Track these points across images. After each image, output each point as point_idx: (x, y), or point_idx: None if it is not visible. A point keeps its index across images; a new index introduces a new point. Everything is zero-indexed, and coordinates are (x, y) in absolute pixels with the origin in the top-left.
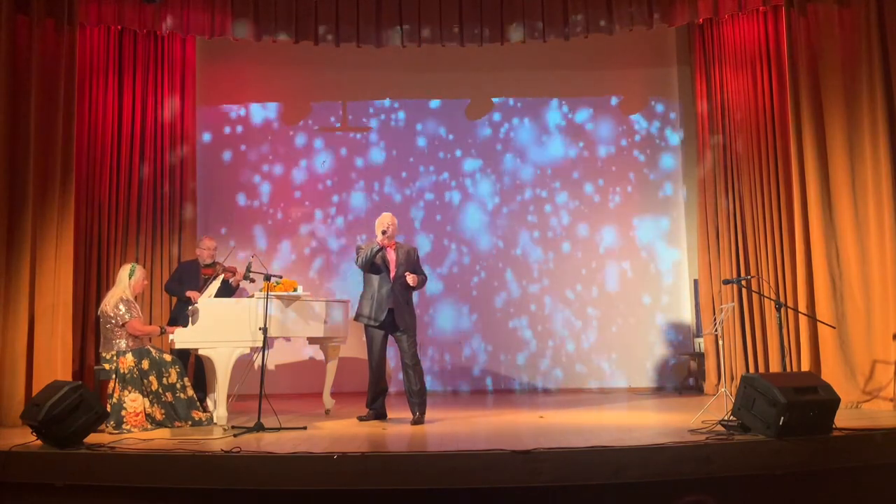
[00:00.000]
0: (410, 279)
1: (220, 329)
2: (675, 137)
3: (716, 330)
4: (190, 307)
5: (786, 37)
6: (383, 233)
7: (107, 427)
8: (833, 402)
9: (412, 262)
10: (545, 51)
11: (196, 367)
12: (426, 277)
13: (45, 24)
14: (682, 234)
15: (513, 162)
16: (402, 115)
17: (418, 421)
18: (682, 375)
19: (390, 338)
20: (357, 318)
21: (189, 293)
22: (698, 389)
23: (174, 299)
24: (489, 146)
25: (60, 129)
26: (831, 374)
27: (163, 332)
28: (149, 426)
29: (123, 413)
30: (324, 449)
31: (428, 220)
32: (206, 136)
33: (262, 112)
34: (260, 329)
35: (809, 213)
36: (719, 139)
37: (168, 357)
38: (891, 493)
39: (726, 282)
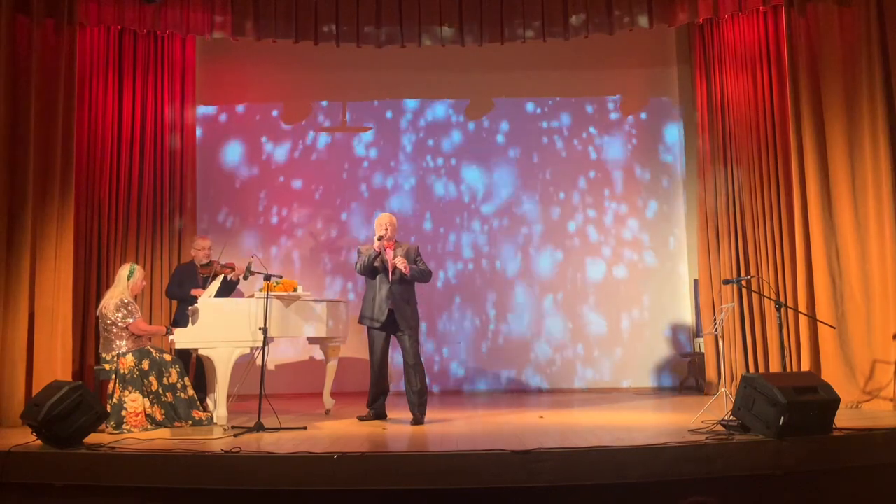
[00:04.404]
0: (399, 262)
1: (220, 329)
2: (674, 137)
3: (716, 330)
4: (190, 307)
5: (786, 37)
6: (380, 238)
7: (107, 427)
8: (833, 402)
9: (411, 260)
10: (545, 51)
11: (196, 367)
12: (429, 271)
13: (45, 24)
14: (682, 233)
15: (512, 162)
16: (402, 114)
17: (418, 421)
18: (682, 375)
19: (393, 338)
20: (360, 320)
21: (194, 291)
22: (698, 389)
23: (174, 301)
24: (489, 146)
25: (60, 129)
26: (831, 374)
27: (169, 333)
28: (149, 426)
29: (123, 413)
30: (324, 449)
31: (427, 221)
32: (206, 136)
33: (262, 112)
34: (260, 329)
35: (809, 213)
36: (719, 139)
37: (168, 357)
38: (891, 493)
39: (726, 282)
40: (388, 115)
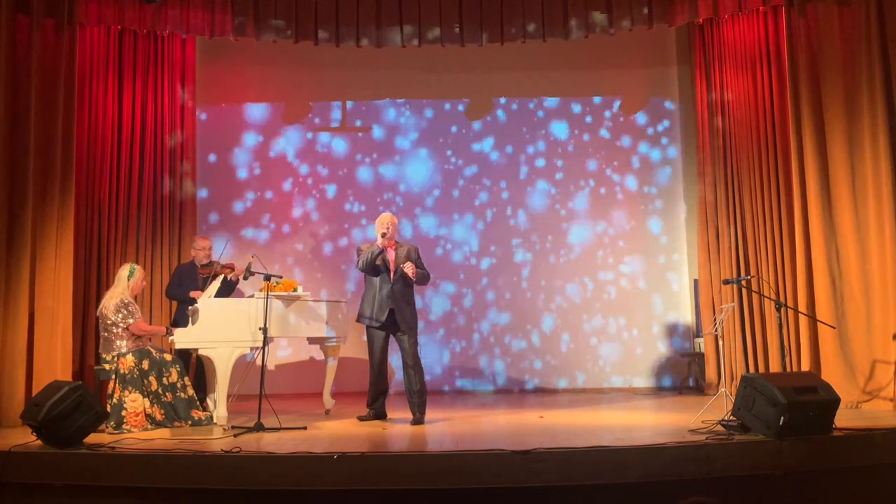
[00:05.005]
0: (408, 268)
1: (220, 329)
2: (675, 137)
3: (716, 330)
4: (190, 307)
5: (786, 37)
6: (383, 235)
7: (107, 427)
8: (833, 402)
9: (412, 260)
10: (545, 51)
11: (196, 367)
12: (428, 274)
13: (45, 24)
14: (682, 234)
15: (512, 162)
16: (403, 114)
17: (418, 421)
18: (682, 375)
19: (392, 338)
20: (359, 319)
21: (193, 293)
22: (698, 389)
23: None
24: (488, 147)
25: (60, 129)
26: (831, 374)
27: (169, 333)
28: (149, 426)
29: (123, 413)
30: (324, 449)
31: (428, 221)
32: (206, 136)
33: (262, 112)
34: (260, 329)
35: (809, 213)
36: (719, 139)
37: (168, 357)
38: (891, 493)
39: (726, 282)
40: (389, 114)
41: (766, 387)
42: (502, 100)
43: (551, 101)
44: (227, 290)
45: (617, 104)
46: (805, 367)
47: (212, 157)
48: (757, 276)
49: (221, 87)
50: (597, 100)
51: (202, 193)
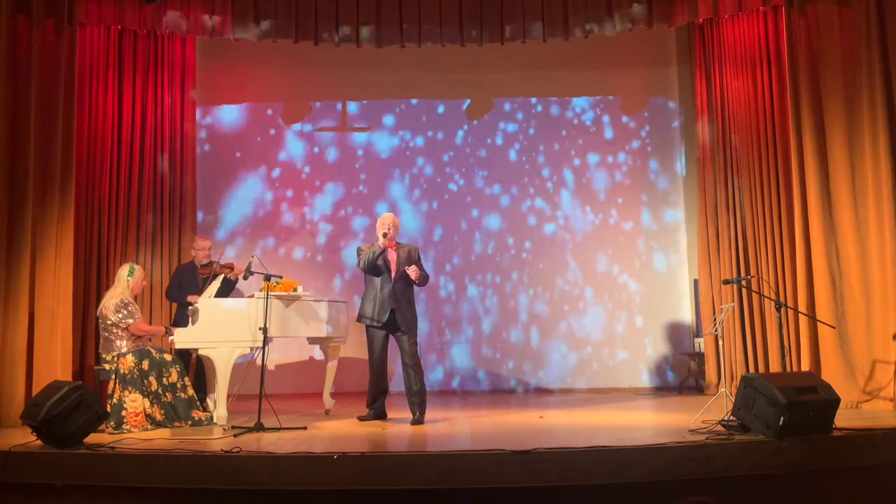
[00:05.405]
0: (411, 271)
1: (220, 329)
2: (674, 137)
3: (716, 330)
4: (190, 307)
5: (786, 37)
6: (384, 235)
7: (107, 427)
8: (833, 402)
9: (413, 262)
10: (545, 51)
11: (196, 367)
12: (428, 275)
13: (45, 24)
14: (681, 234)
15: (512, 162)
16: (403, 114)
17: (418, 421)
18: (682, 375)
19: (391, 338)
20: (359, 318)
21: (190, 298)
22: (698, 389)
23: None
24: (488, 146)
25: (60, 129)
26: (831, 374)
27: (168, 333)
28: (149, 426)
29: (123, 413)
30: (324, 449)
31: (428, 221)
32: (206, 136)
33: (262, 112)
34: (260, 329)
35: (809, 213)
36: (719, 139)
37: (168, 357)
38: (891, 493)
39: (726, 282)
40: (389, 114)
41: (766, 387)
42: (501, 100)
43: (550, 101)
44: (227, 289)
45: (617, 104)
46: (805, 367)
47: (211, 157)
48: (757, 276)
49: (221, 87)
50: (596, 100)
51: (202, 193)
